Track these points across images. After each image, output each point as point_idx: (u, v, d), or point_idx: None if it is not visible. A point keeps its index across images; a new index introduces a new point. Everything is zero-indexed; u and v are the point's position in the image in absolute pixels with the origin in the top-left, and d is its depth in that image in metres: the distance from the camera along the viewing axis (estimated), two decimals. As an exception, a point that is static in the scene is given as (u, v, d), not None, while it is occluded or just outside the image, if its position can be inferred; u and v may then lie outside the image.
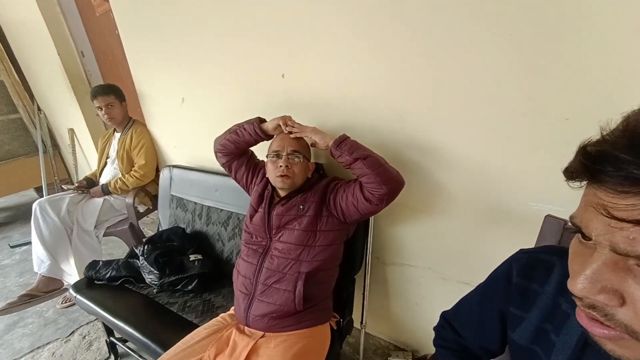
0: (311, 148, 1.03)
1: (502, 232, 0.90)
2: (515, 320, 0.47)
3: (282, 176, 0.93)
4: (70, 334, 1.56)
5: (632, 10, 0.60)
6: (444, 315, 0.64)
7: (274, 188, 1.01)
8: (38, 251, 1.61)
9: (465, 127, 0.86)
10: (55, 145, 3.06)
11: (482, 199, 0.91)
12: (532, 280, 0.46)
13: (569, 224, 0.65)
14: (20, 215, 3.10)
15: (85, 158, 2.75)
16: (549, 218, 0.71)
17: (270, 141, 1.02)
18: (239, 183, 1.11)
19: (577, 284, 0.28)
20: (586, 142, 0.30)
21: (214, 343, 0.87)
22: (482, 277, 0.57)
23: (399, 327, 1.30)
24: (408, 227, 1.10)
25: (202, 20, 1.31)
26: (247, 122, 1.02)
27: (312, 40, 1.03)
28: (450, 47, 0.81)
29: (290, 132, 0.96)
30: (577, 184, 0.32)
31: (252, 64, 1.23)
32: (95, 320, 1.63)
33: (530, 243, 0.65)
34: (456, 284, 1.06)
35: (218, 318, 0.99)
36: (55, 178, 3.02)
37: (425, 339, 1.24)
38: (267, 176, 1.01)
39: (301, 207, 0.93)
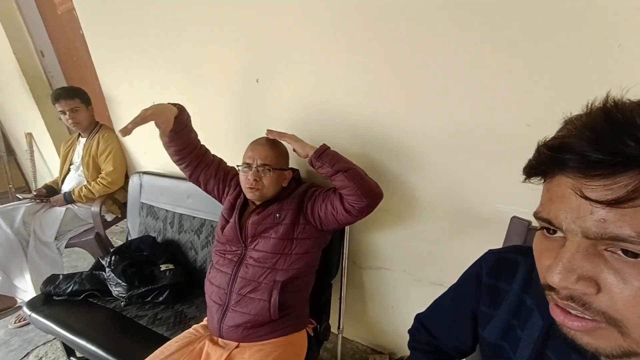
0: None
1: (471, 234, 0.93)
2: (485, 318, 0.49)
3: (250, 188, 0.91)
4: (24, 357, 1.43)
5: (590, 21, 0.65)
6: (418, 318, 0.65)
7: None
8: (-12, 266, 1.47)
9: (434, 132, 0.89)
10: (10, 150, 2.83)
11: (451, 202, 0.94)
12: (499, 279, 0.47)
13: (533, 224, 0.69)
14: (-31, 227, 2.82)
15: (46, 164, 2.56)
16: (514, 219, 0.75)
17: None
18: (210, 194, 1.07)
19: (555, 275, 0.29)
20: (544, 139, 0.32)
21: (185, 356, 0.83)
22: (454, 278, 0.58)
23: (376, 330, 1.31)
24: (383, 231, 1.12)
25: (174, 24, 1.27)
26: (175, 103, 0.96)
27: (286, 45, 1.03)
28: (419, 56, 0.84)
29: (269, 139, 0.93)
30: (537, 179, 0.34)
31: (225, 69, 1.21)
32: (53, 339, 1.51)
33: (498, 243, 0.68)
34: (430, 286, 1.08)
35: (190, 330, 0.95)
36: (10, 186, 2.79)
37: (402, 341, 1.26)
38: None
39: (277, 215, 0.92)
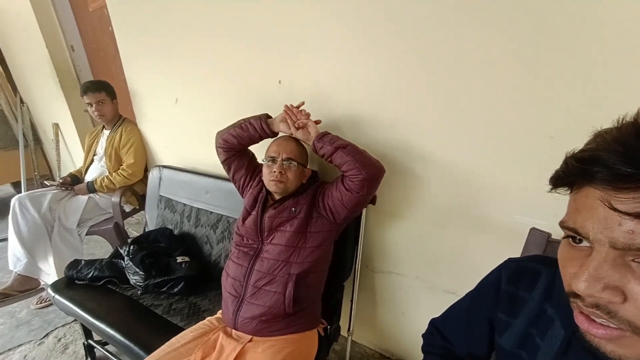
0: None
1: (488, 243, 0.93)
2: (503, 325, 0.49)
3: (275, 181, 0.95)
4: (44, 336, 1.50)
5: (613, 32, 0.65)
6: (433, 323, 0.66)
7: (268, 192, 1.01)
8: (14, 248, 1.54)
9: (455, 139, 0.90)
10: (37, 139, 2.96)
11: (469, 210, 0.94)
12: (519, 287, 0.48)
13: (553, 236, 0.69)
14: (-5, 211, 2.96)
15: (70, 154, 2.67)
16: (533, 231, 0.74)
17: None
18: (235, 183, 1.10)
19: (581, 283, 0.29)
20: (573, 151, 0.33)
21: (200, 347, 0.86)
22: (468, 287, 0.59)
23: (385, 335, 1.31)
24: (397, 236, 1.12)
25: (200, 23, 1.31)
26: (254, 117, 1.02)
27: (310, 48, 1.05)
28: (447, 62, 0.84)
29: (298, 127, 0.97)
30: (563, 190, 0.34)
31: (249, 69, 1.24)
32: (72, 322, 1.57)
33: (515, 254, 0.68)
34: (443, 294, 1.08)
35: (205, 321, 0.98)
36: (35, 174, 2.92)
37: (411, 348, 1.25)
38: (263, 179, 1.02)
39: (293, 209, 0.94)
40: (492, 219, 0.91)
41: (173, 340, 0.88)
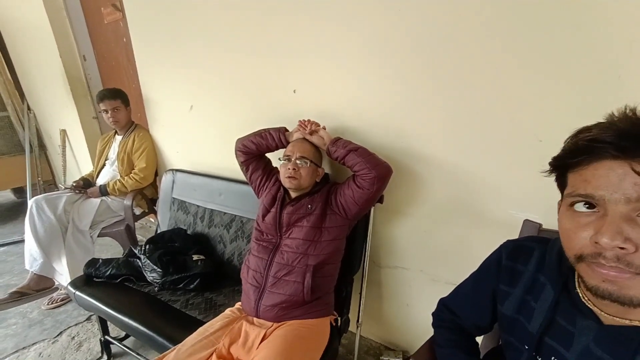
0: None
1: (486, 236, 1.03)
2: (504, 295, 0.58)
3: (289, 177, 1.04)
4: (57, 335, 1.53)
5: (599, 40, 0.76)
6: (442, 301, 0.75)
7: (286, 191, 1.10)
8: (31, 248, 1.59)
9: (456, 144, 1.01)
10: (42, 145, 3.00)
11: (469, 207, 1.04)
12: (517, 262, 0.57)
13: (544, 226, 0.79)
14: (-3, 216, 2.97)
15: (75, 160, 2.71)
16: (527, 222, 0.85)
17: None
18: (252, 184, 1.19)
19: (606, 238, 0.36)
20: (575, 137, 0.41)
21: (227, 334, 0.93)
22: (467, 277, 0.67)
23: (391, 328, 1.39)
24: (402, 232, 1.21)
25: (216, 34, 1.42)
26: (274, 128, 1.14)
27: (325, 59, 1.16)
28: (448, 76, 0.96)
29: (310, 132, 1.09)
30: (552, 176, 0.44)
31: (263, 78, 1.34)
32: (84, 321, 1.61)
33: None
34: (445, 285, 1.17)
35: (227, 311, 1.05)
36: (39, 179, 2.95)
37: (416, 339, 1.33)
38: (279, 179, 1.11)
39: (309, 206, 1.03)
40: (490, 214, 1.01)
41: (202, 329, 0.95)
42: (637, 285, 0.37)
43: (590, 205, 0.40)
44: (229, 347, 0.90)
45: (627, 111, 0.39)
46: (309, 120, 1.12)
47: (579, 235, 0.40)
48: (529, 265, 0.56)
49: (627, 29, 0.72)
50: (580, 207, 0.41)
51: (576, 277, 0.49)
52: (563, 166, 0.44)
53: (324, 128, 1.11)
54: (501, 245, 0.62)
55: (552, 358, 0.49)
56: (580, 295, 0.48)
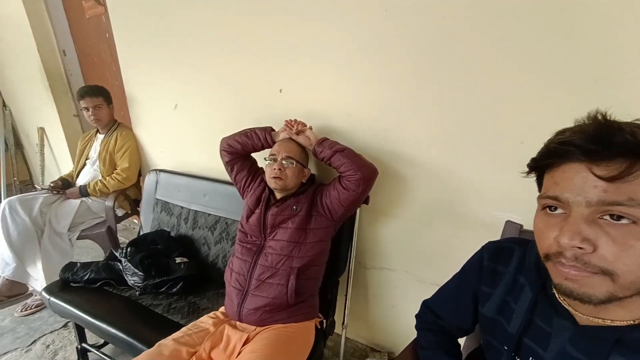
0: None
1: (470, 237, 1.04)
2: (485, 296, 0.59)
3: (275, 177, 1.03)
4: (31, 343, 1.46)
5: (579, 47, 0.78)
6: (425, 303, 0.75)
7: (271, 191, 1.08)
8: (3, 252, 1.51)
9: (440, 146, 1.01)
10: (19, 144, 2.88)
11: (453, 208, 1.05)
12: (498, 263, 0.58)
13: (524, 227, 0.80)
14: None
15: (55, 159, 2.62)
16: (508, 223, 0.86)
17: None
18: (236, 184, 1.17)
19: (565, 238, 0.38)
20: (549, 141, 0.42)
21: (209, 338, 0.91)
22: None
23: (377, 329, 1.39)
24: (388, 233, 1.22)
25: (201, 31, 1.39)
26: (259, 127, 1.12)
27: (310, 59, 1.15)
28: (434, 80, 0.96)
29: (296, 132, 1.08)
30: (533, 176, 0.45)
31: (249, 77, 1.32)
32: (60, 328, 1.54)
33: (494, 243, 0.79)
34: (430, 286, 1.17)
35: (210, 314, 1.02)
36: (15, 179, 2.83)
37: (401, 340, 1.33)
38: (265, 180, 1.09)
39: (294, 207, 1.02)
40: (473, 215, 1.02)
41: (183, 329, 0.93)
42: (596, 284, 0.38)
43: (556, 207, 0.41)
44: (209, 352, 0.88)
45: (597, 115, 0.40)
46: (295, 120, 1.11)
47: (547, 235, 0.42)
48: (510, 266, 0.56)
49: (605, 38, 0.74)
50: (552, 208, 0.42)
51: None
52: (540, 167, 0.45)
53: (311, 128, 1.10)
54: (483, 247, 0.63)
55: (530, 358, 0.49)
56: (557, 295, 0.48)
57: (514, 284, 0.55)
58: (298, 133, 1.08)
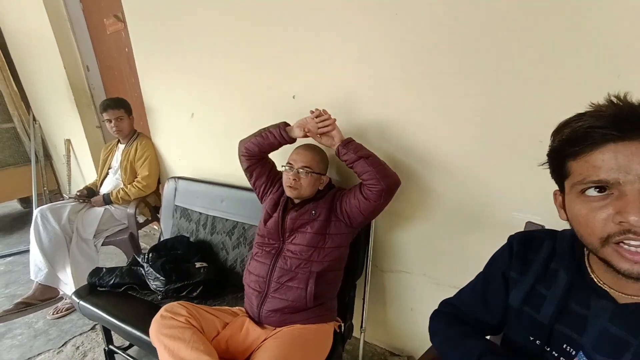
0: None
1: (488, 238, 1.00)
2: (513, 283, 0.57)
3: (289, 186, 1.04)
4: (62, 345, 1.53)
5: (600, 41, 0.75)
6: (446, 300, 0.73)
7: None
8: (36, 259, 1.60)
9: (460, 144, 1.00)
10: (47, 155, 3.05)
11: (470, 208, 1.03)
12: (528, 249, 0.57)
13: (546, 227, 0.78)
14: (3, 226, 3.00)
15: (80, 169, 2.74)
16: (530, 224, 0.84)
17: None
18: (256, 190, 1.18)
19: (634, 216, 0.37)
20: (571, 122, 0.43)
21: (230, 324, 0.94)
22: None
23: (395, 333, 1.37)
24: (405, 236, 1.21)
25: (215, 43, 1.43)
26: (273, 125, 1.10)
27: (323, 65, 1.16)
28: (452, 82, 0.96)
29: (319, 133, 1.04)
30: (555, 163, 0.46)
31: (262, 84, 1.35)
32: (89, 331, 1.61)
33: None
34: (448, 289, 1.16)
35: (234, 308, 1.06)
36: (45, 189, 2.98)
37: (421, 344, 1.31)
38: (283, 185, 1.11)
39: (313, 212, 1.03)
40: (492, 216, 1.00)
41: (211, 309, 0.99)
42: None
43: (601, 188, 0.41)
44: (228, 338, 0.91)
45: (613, 99, 0.41)
46: (324, 111, 1.03)
47: (598, 217, 0.41)
48: (540, 254, 0.55)
49: (628, 30, 0.72)
50: (592, 191, 0.41)
51: (587, 263, 0.49)
52: (562, 156, 0.45)
53: (335, 121, 1.04)
54: (509, 237, 0.61)
55: (564, 345, 0.48)
56: (595, 280, 0.47)
57: (545, 270, 0.54)
58: (323, 134, 1.03)
